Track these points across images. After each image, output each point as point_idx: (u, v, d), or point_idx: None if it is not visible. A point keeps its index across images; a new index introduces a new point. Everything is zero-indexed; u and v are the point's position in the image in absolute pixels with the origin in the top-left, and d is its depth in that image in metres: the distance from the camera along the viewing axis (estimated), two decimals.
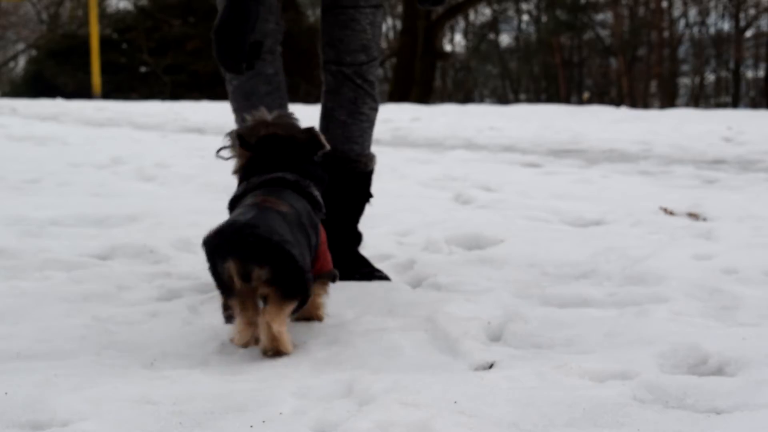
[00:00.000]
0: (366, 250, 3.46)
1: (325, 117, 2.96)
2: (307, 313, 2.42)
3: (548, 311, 2.57)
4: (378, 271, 3.00)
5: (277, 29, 2.88)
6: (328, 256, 2.47)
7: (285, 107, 2.88)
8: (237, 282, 2.08)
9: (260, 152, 2.36)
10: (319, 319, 2.46)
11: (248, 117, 2.44)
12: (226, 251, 2.07)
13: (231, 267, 2.06)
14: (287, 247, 2.05)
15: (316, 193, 2.37)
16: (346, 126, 2.92)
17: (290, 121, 2.42)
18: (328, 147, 2.40)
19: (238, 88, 2.88)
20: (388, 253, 3.43)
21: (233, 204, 2.33)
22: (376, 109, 2.98)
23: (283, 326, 2.12)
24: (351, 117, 2.92)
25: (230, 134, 2.44)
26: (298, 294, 2.12)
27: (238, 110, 2.90)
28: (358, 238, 3.07)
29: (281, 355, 2.13)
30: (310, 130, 2.40)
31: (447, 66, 36.51)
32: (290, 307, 2.13)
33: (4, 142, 8.72)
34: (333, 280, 2.46)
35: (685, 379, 1.91)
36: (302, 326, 2.44)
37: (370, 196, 3.04)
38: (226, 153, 2.49)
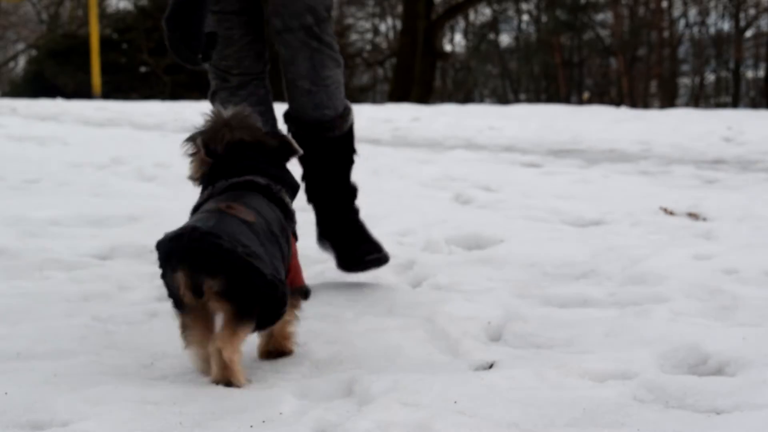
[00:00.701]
0: None
1: (288, 89, 2.82)
2: (276, 344, 2.14)
3: (548, 311, 2.57)
4: (376, 251, 2.90)
5: (264, 47, 2.86)
6: (300, 270, 2.21)
7: (275, 127, 2.81)
8: (187, 296, 1.84)
9: (227, 159, 2.12)
10: (288, 351, 2.15)
11: (204, 117, 2.17)
12: (177, 259, 1.83)
13: (180, 277, 1.83)
14: (250, 259, 1.81)
15: (288, 200, 2.15)
16: (312, 94, 2.77)
17: (251, 123, 2.17)
18: (300, 151, 2.22)
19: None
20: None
21: (195, 212, 2.06)
22: (340, 66, 2.82)
23: (236, 354, 1.86)
24: (315, 84, 2.76)
25: (192, 139, 2.14)
26: (255, 313, 1.86)
27: None
28: (353, 192, 2.98)
29: (233, 386, 1.87)
30: (281, 135, 2.23)
31: (447, 66, 36.49)
32: (246, 329, 1.87)
33: (4, 142, 8.71)
34: (305, 297, 2.19)
35: (685, 379, 1.91)
36: (302, 326, 2.44)
37: (354, 152, 2.94)
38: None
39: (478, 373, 1.99)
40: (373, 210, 4.36)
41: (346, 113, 2.86)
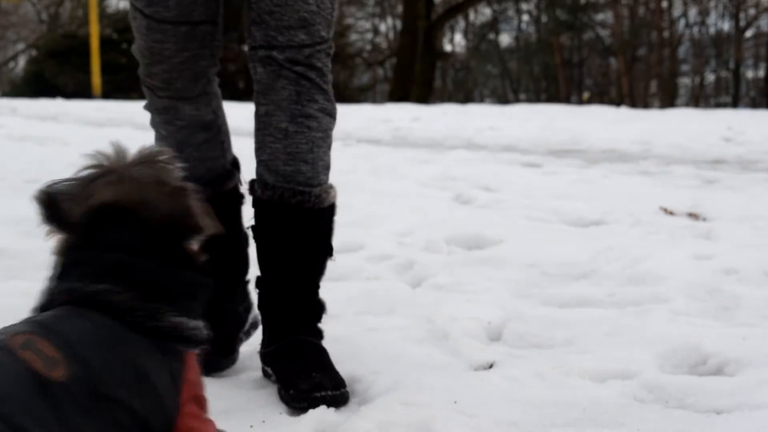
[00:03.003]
0: (366, 250, 3.47)
1: (259, 128, 2.01)
2: None
3: (548, 311, 2.57)
4: (332, 386, 1.88)
5: (211, 65, 2.11)
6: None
7: (226, 153, 2.20)
8: None
9: (83, 238, 1.26)
10: None
11: (91, 160, 1.32)
12: None
13: None
14: None
15: (175, 320, 1.25)
16: (288, 135, 1.97)
17: (156, 173, 1.30)
18: (210, 230, 1.34)
19: (168, 138, 2.12)
20: (388, 253, 3.43)
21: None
22: (331, 113, 2.02)
23: None
24: (294, 122, 1.97)
25: (40, 198, 1.29)
26: None
27: None
28: (316, 311, 2.09)
29: None
30: (182, 193, 1.30)
31: (447, 66, 36.52)
32: None
33: (4, 142, 8.71)
34: None
35: (685, 379, 1.91)
36: None
37: (330, 250, 2.08)
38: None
39: (478, 373, 1.99)
40: (373, 210, 4.36)
41: (328, 187, 2.04)
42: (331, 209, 2.04)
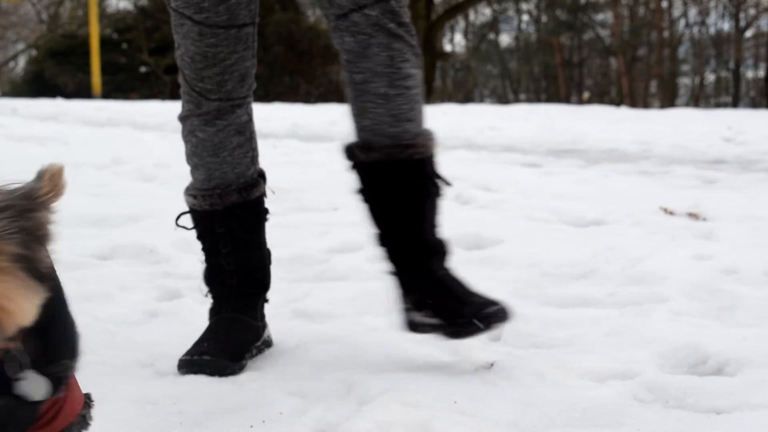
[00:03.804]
0: (366, 250, 3.46)
1: (356, 95, 2.05)
2: None
3: (548, 311, 2.57)
4: (491, 303, 2.03)
5: (253, 65, 2.18)
6: None
7: (255, 161, 2.24)
8: None
9: None
10: None
11: None
12: None
13: None
14: None
15: None
16: (389, 99, 2.02)
17: None
18: (23, 319, 1.10)
19: (205, 142, 2.17)
20: None
21: None
22: (419, 65, 2.08)
23: None
24: (393, 86, 2.01)
25: None
26: None
27: (199, 167, 2.20)
28: (440, 249, 2.14)
29: None
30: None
31: (447, 66, 36.51)
32: None
33: (4, 142, 8.71)
34: None
35: (685, 379, 1.91)
36: (302, 326, 2.44)
37: (438, 190, 2.14)
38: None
39: (478, 373, 1.99)
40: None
41: (430, 134, 2.13)
42: (433, 155, 2.14)
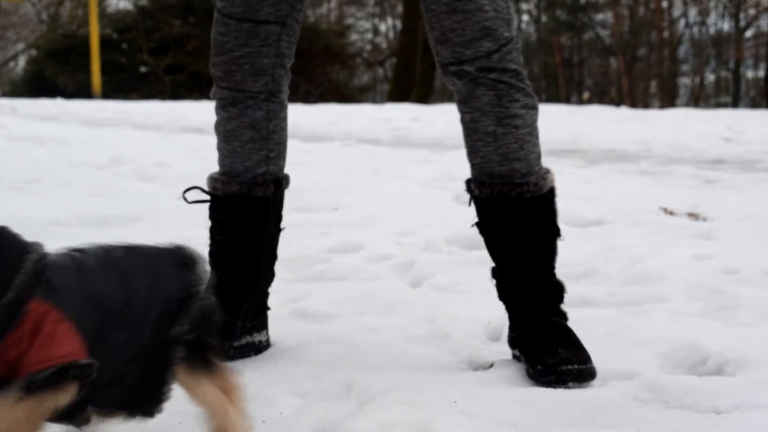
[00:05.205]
0: (366, 250, 3.47)
1: (467, 134, 2.13)
2: None
3: None
4: (578, 360, 2.00)
5: (275, 64, 2.21)
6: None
7: (270, 163, 2.26)
8: None
9: None
10: None
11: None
12: None
13: None
14: None
15: None
16: (497, 138, 2.07)
17: None
18: None
19: (219, 125, 2.26)
20: (388, 253, 3.43)
21: None
22: (533, 107, 2.11)
23: None
24: (500, 125, 2.06)
25: None
26: None
27: (218, 149, 2.29)
28: (557, 291, 2.17)
29: None
30: None
31: None
32: None
33: (4, 142, 8.71)
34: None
35: (685, 379, 1.91)
36: (302, 326, 2.44)
37: (557, 231, 2.17)
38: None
39: (478, 373, 1.99)
40: (373, 210, 4.36)
41: (544, 172, 2.16)
42: (551, 192, 2.16)
